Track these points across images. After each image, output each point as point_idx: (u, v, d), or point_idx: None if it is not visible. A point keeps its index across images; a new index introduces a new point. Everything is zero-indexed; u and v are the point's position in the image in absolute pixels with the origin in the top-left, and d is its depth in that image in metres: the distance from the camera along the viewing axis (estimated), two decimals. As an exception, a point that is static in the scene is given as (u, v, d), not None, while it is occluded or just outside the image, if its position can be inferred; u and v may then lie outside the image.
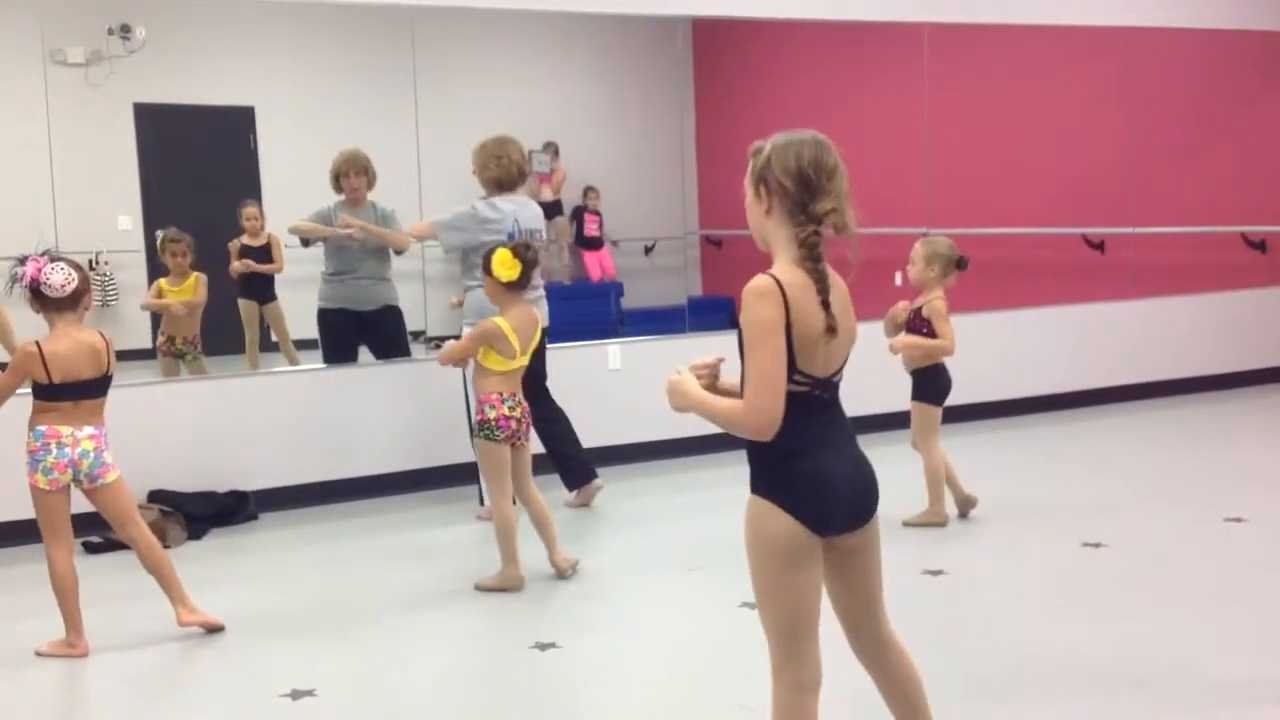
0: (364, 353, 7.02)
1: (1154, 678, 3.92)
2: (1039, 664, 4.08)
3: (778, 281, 2.57)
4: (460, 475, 6.62)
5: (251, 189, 7.72)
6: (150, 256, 7.27)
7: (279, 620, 4.83)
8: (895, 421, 7.01)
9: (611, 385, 7.25)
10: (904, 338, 5.76)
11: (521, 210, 6.16)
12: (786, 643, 2.66)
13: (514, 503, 5.13)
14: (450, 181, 6.70)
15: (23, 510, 4.75)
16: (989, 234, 8.74)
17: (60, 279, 4.33)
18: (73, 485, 4.45)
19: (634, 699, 3.98)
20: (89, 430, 4.43)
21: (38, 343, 4.36)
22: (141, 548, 4.55)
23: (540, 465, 5.53)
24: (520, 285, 5.05)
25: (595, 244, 9.69)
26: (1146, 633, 4.34)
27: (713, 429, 2.70)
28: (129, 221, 7.58)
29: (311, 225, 6.81)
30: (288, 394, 6.69)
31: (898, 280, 6.39)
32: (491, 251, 5.05)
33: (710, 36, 9.06)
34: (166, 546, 5.05)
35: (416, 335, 7.54)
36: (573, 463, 6.42)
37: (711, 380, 2.76)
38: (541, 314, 5.92)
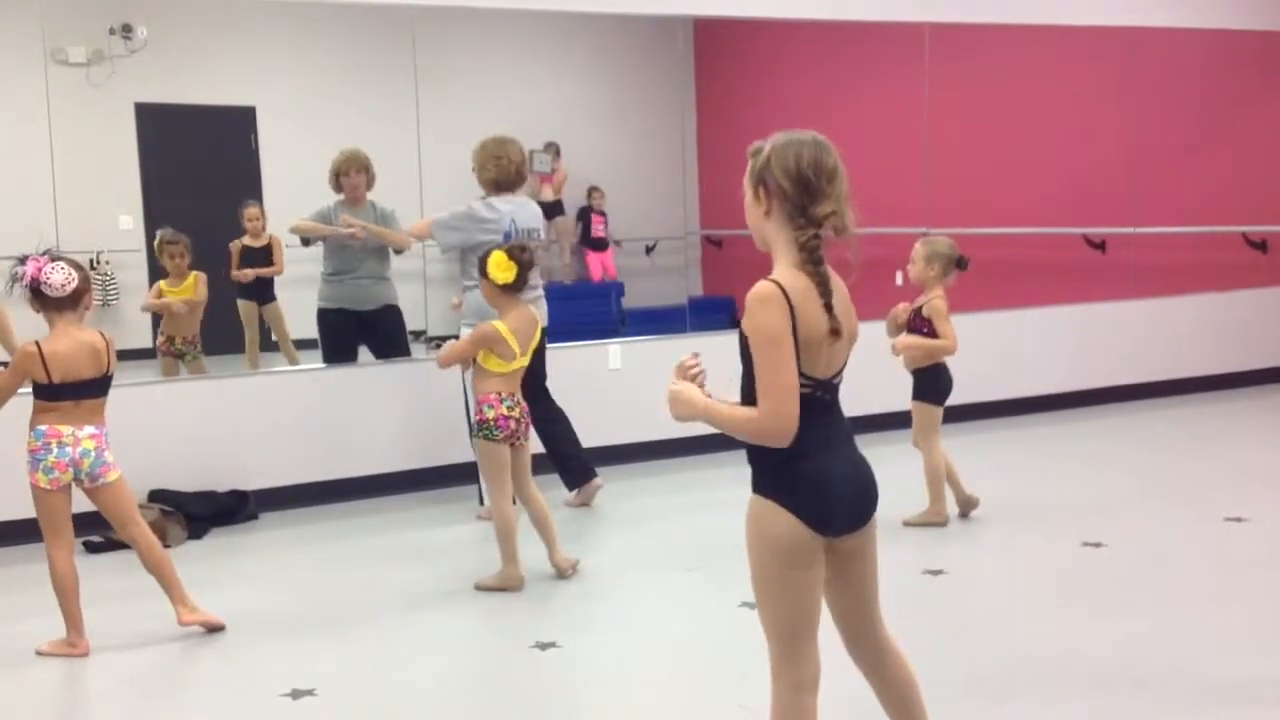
0: (363, 353, 7.02)
1: (1154, 677, 3.92)
2: (1039, 664, 4.08)
3: (781, 286, 2.57)
4: (460, 475, 6.62)
5: (252, 189, 7.72)
6: (151, 256, 7.27)
7: (279, 620, 4.83)
8: (895, 421, 7.01)
9: (612, 385, 7.25)
10: (905, 338, 5.76)
11: (519, 210, 6.16)
12: (786, 643, 2.67)
13: (514, 502, 5.13)
14: (451, 181, 6.70)
15: (23, 510, 4.75)
16: (989, 234, 8.74)
17: (60, 278, 4.33)
18: (73, 485, 4.45)
19: (634, 699, 3.99)
20: (90, 430, 4.43)
21: (38, 343, 4.36)
22: (142, 547, 4.56)
23: (540, 465, 5.53)
24: (517, 287, 5.05)
25: (601, 245, 9.70)
26: (1146, 632, 4.34)
27: (712, 429, 2.70)
28: (130, 221, 7.58)
29: (313, 224, 6.81)
30: (288, 394, 6.70)
31: (898, 280, 6.40)
32: (487, 254, 5.05)
33: (711, 36, 9.06)
34: (167, 546, 5.05)
35: (417, 335, 7.54)
36: (572, 462, 6.42)
37: (701, 378, 2.76)
38: (540, 314, 5.92)
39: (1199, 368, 9.10)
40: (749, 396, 2.61)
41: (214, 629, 4.64)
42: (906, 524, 5.76)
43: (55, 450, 4.37)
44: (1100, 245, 9.12)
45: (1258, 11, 9.20)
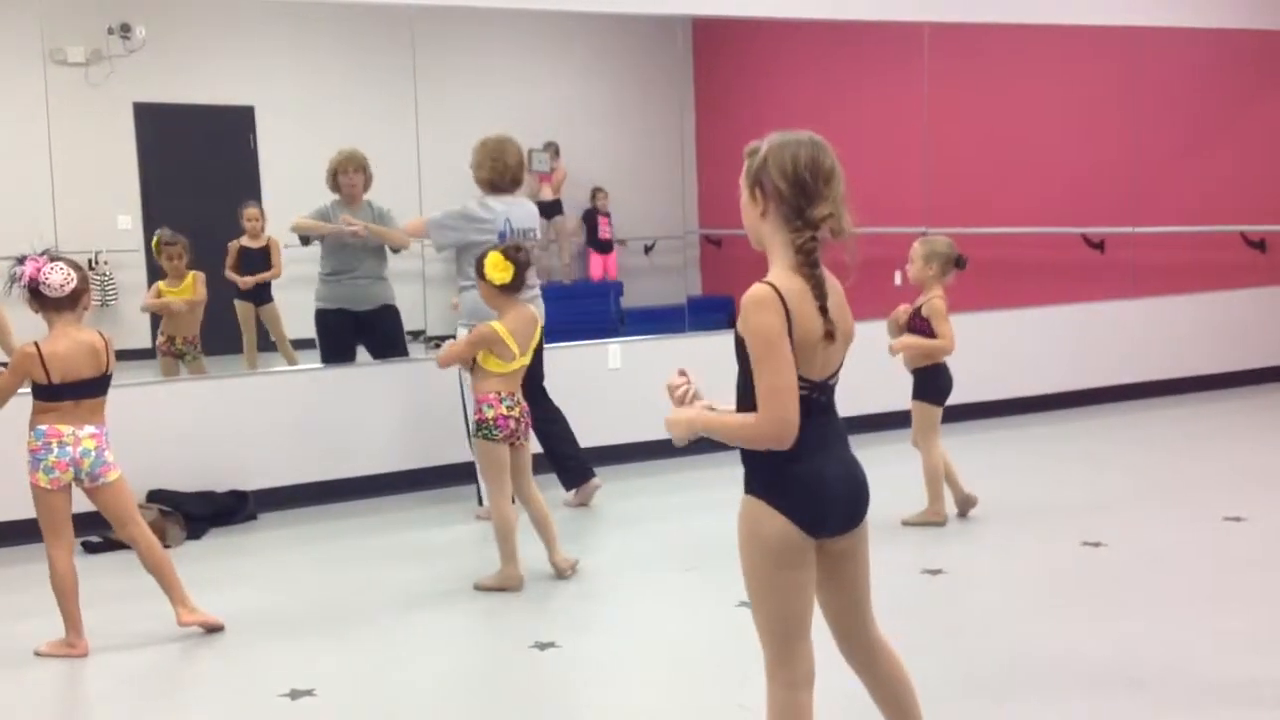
0: (361, 353, 7.02)
1: (1152, 677, 3.93)
2: (1037, 663, 4.08)
3: (776, 289, 2.57)
4: (459, 475, 6.63)
5: (251, 189, 7.71)
6: (149, 256, 7.27)
7: (278, 620, 4.83)
8: (894, 421, 7.02)
9: (611, 385, 7.26)
10: (903, 339, 5.77)
11: (514, 210, 6.15)
12: (780, 642, 2.67)
13: (513, 502, 5.13)
14: (450, 181, 6.69)
15: (23, 510, 4.76)
16: (988, 233, 8.74)
17: (59, 279, 4.33)
18: (73, 485, 4.45)
19: (633, 699, 3.99)
20: (90, 429, 4.43)
21: (36, 343, 4.36)
22: (141, 547, 4.56)
23: (538, 465, 5.53)
24: (514, 287, 5.05)
25: (607, 247, 9.70)
26: (1145, 632, 4.34)
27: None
28: (128, 221, 7.58)
29: (313, 223, 6.82)
30: (286, 394, 6.70)
31: (897, 280, 6.39)
32: (484, 255, 5.05)
33: (710, 36, 9.06)
34: (166, 546, 5.05)
35: (416, 335, 7.54)
36: (570, 462, 6.42)
37: (694, 393, 2.76)
38: (538, 314, 5.92)
39: (1197, 367, 9.10)
40: (745, 398, 2.61)
41: (213, 629, 4.64)
42: (905, 523, 5.76)
43: (55, 450, 4.37)
44: (1099, 245, 9.13)
45: (1256, 11, 9.21)
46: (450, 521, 6.26)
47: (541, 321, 5.92)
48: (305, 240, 7.02)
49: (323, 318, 6.92)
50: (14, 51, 6.83)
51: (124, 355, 4.91)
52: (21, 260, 4.37)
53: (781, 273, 2.61)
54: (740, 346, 2.60)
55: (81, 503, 4.54)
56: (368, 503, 6.64)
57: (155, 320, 7.23)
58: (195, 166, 7.92)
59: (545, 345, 6.11)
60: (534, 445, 5.53)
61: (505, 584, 5.06)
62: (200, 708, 4.09)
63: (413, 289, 7.53)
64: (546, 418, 6.24)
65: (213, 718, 3.98)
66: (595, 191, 9.63)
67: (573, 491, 6.43)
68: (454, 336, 5.96)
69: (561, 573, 5.21)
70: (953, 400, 5.89)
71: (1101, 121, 9.17)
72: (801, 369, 2.59)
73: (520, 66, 9.03)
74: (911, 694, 2.88)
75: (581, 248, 9.80)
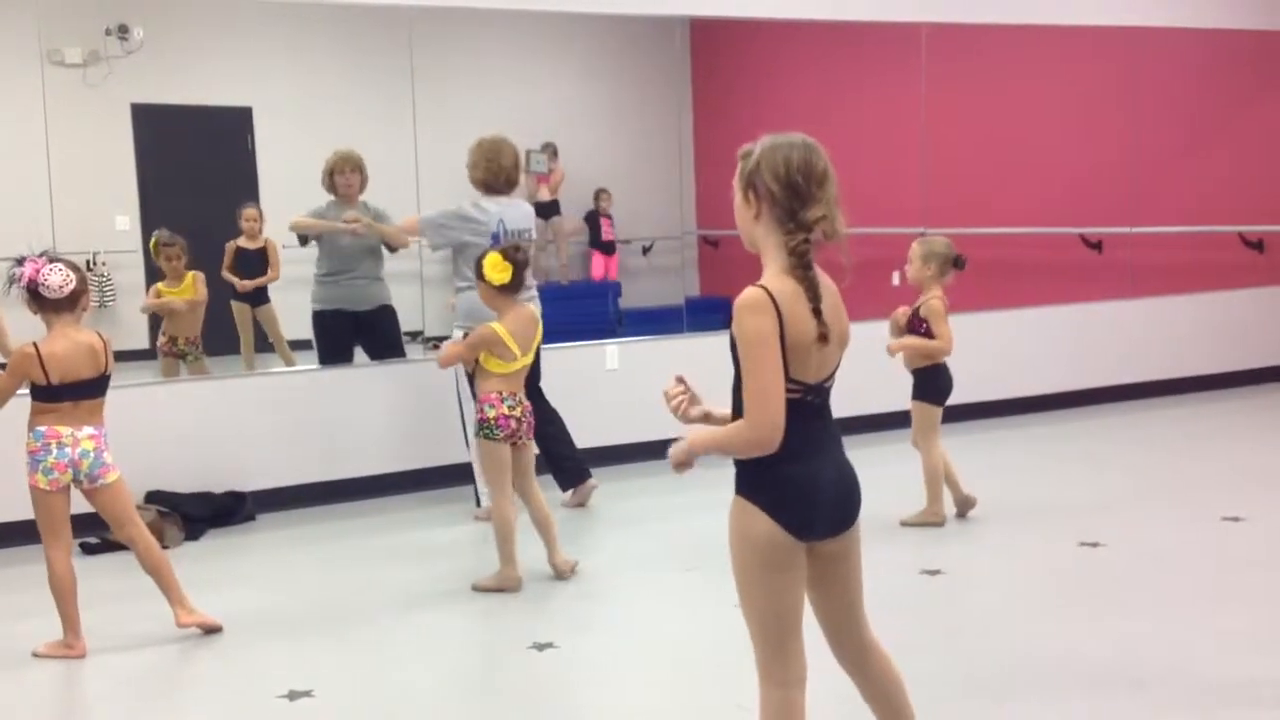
0: (359, 353, 7.02)
1: (1152, 677, 3.93)
2: (1037, 664, 4.08)
3: (769, 292, 2.57)
4: (457, 475, 6.62)
5: (249, 190, 7.71)
6: (147, 257, 7.27)
7: (276, 621, 4.83)
8: (892, 421, 7.03)
9: (609, 385, 7.25)
10: (900, 340, 5.77)
11: (508, 210, 6.13)
12: (770, 642, 2.68)
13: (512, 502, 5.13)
14: (448, 182, 6.69)
15: (22, 511, 4.75)
16: (987, 234, 8.74)
17: (58, 280, 4.33)
18: (72, 486, 4.44)
19: (632, 699, 3.99)
20: (89, 430, 4.42)
21: (35, 344, 4.36)
22: (140, 548, 4.55)
23: (537, 466, 5.52)
24: (514, 288, 5.04)
25: (610, 248, 9.71)
26: (1145, 632, 4.34)
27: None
28: (126, 222, 7.57)
29: (311, 221, 6.81)
30: (284, 395, 6.69)
31: (895, 280, 6.40)
32: (483, 256, 5.05)
33: (708, 36, 9.06)
34: (164, 547, 5.04)
35: (414, 336, 7.54)
36: (567, 463, 6.42)
37: (690, 399, 2.76)
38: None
39: (1196, 367, 9.10)
40: (740, 400, 2.61)
41: (211, 630, 4.64)
42: (904, 524, 5.76)
43: (54, 451, 4.37)
44: (1097, 245, 9.13)
45: (1254, 11, 9.21)
46: (448, 522, 6.26)
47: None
48: (303, 240, 7.02)
49: (321, 319, 6.91)
50: (12, 52, 6.83)
51: (122, 356, 4.90)
52: (20, 261, 4.37)
53: (775, 275, 2.62)
54: (734, 348, 2.60)
55: (80, 504, 4.53)
56: (366, 503, 6.63)
57: (154, 321, 7.22)
58: (193, 167, 7.92)
59: (543, 346, 6.11)
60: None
61: (504, 585, 5.06)
62: (198, 709, 4.08)
63: (411, 290, 7.52)
64: (543, 418, 6.22)
65: (211, 719, 3.97)
66: (599, 193, 9.62)
67: (569, 492, 6.43)
68: (451, 337, 5.96)
69: (561, 574, 5.21)
70: (952, 400, 5.89)
71: (1100, 122, 9.17)
72: (795, 372, 2.59)
73: (518, 67, 9.03)
74: (904, 694, 2.88)
75: (584, 248, 9.80)
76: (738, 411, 2.62)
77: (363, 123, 7.83)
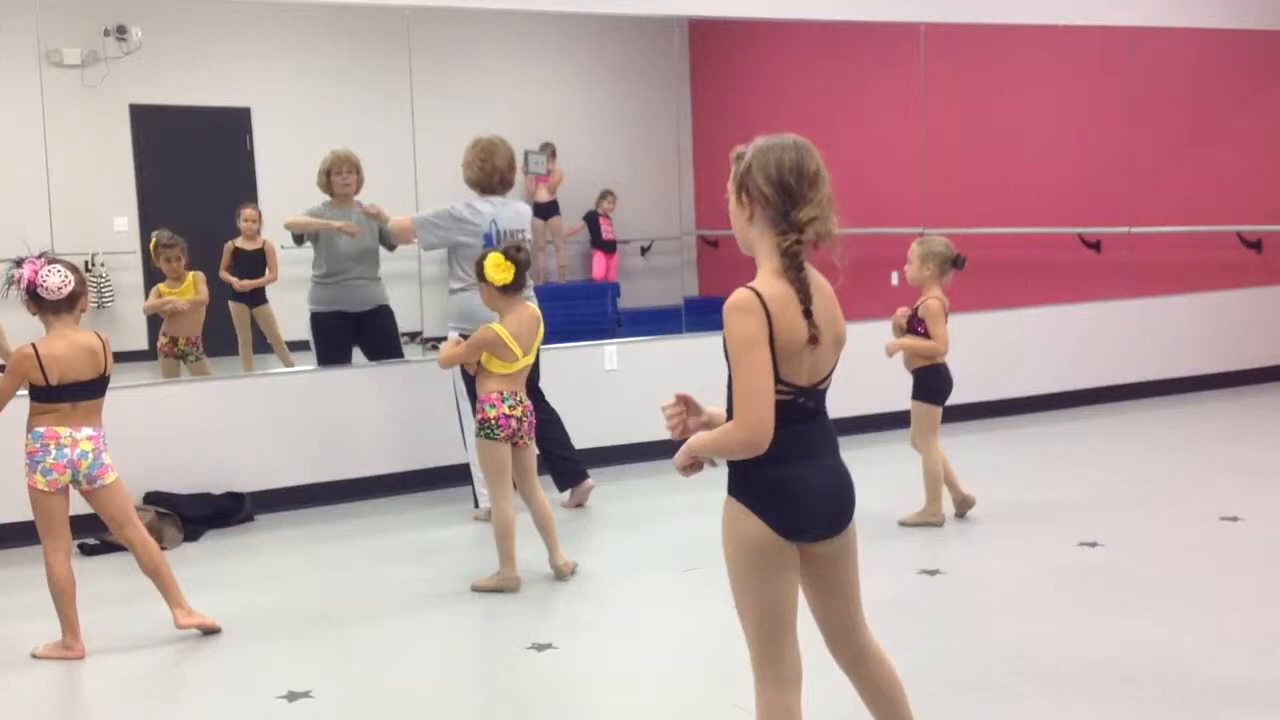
0: (357, 354, 7.01)
1: (1150, 677, 3.93)
2: (1036, 664, 4.08)
3: (758, 294, 2.57)
4: (455, 476, 6.62)
5: (247, 190, 7.71)
6: (146, 258, 7.27)
7: (275, 622, 4.83)
8: (892, 421, 7.03)
9: (608, 386, 7.25)
10: (897, 340, 5.78)
11: (501, 211, 6.10)
12: (765, 642, 2.68)
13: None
14: (446, 183, 6.68)
15: (21, 512, 4.76)
16: (985, 234, 8.74)
17: (57, 281, 4.33)
18: (71, 487, 4.44)
19: (630, 699, 3.98)
20: (87, 431, 4.42)
21: (34, 345, 4.36)
22: (139, 549, 4.55)
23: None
24: (515, 288, 5.04)
25: (611, 247, 9.71)
26: (1143, 632, 4.34)
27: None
28: (125, 223, 7.57)
29: (306, 219, 6.81)
30: (283, 396, 6.70)
31: (894, 280, 6.40)
32: (484, 256, 5.04)
33: (706, 36, 9.06)
34: (163, 548, 5.04)
35: (412, 336, 7.54)
36: (565, 464, 6.42)
37: (688, 415, 2.76)
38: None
39: (1194, 367, 9.11)
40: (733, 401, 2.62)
41: (210, 631, 4.64)
42: (902, 524, 5.76)
43: (53, 452, 4.37)
44: (1096, 245, 9.13)
45: (1251, 11, 9.22)
46: (447, 523, 6.26)
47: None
48: (299, 239, 7.02)
49: (320, 320, 6.90)
50: (10, 53, 6.82)
51: (121, 357, 4.90)
52: (19, 263, 4.37)
53: (767, 277, 2.62)
54: (726, 350, 2.61)
55: (79, 505, 4.53)
56: (365, 504, 6.64)
57: (154, 322, 7.22)
58: (191, 168, 7.91)
59: (542, 346, 6.11)
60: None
61: (503, 585, 5.06)
62: (197, 710, 4.08)
63: (409, 290, 7.52)
64: (542, 418, 6.23)
65: (210, 720, 3.98)
66: (604, 195, 9.61)
67: (568, 493, 6.43)
68: (447, 339, 5.95)
69: (561, 575, 5.21)
70: (951, 400, 5.89)
71: (1098, 121, 9.18)
72: (788, 374, 2.59)
73: (517, 68, 9.03)
74: (902, 696, 2.89)
75: (585, 248, 9.79)
76: (731, 413, 2.63)
77: (361, 123, 7.83)
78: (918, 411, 5.82)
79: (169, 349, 7.05)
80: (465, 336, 5.33)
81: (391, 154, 7.21)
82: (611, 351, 7.44)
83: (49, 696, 4.26)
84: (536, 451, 5.39)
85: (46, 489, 4.38)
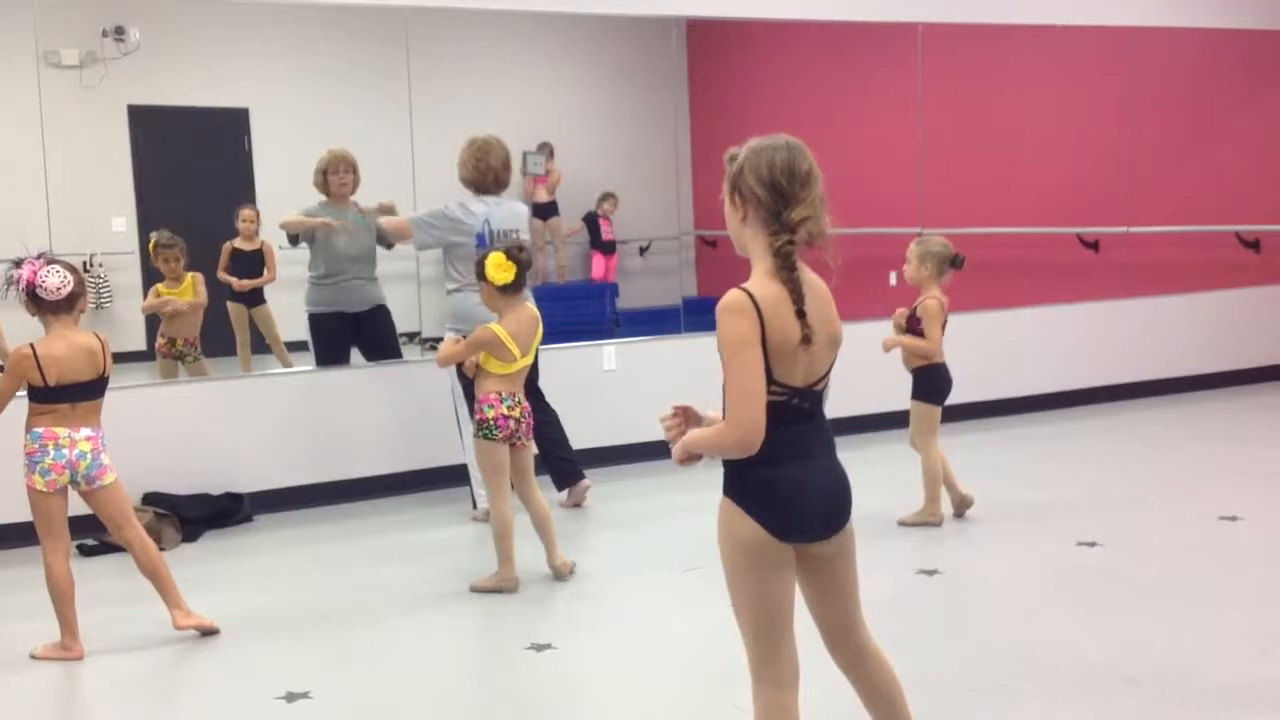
0: (355, 355, 7.01)
1: (1149, 677, 3.93)
2: (1034, 664, 4.08)
3: (750, 295, 2.57)
4: (453, 477, 6.62)
5: (246, 191, 7.70)
6: (145, 258, 7.27)
7: (274, 622, 4.83)
8: (891, 421, 7.03)
9: (607, 386, 7.25)
10: (893, 336, 5.79)
11: (495, 210, 6.07)
12: (762, 642, 2.68)
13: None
14: (444, 183, 6.68)
15: (20, 513, 4.75)
16: (984, 233, 8.75)
17: (56, 282, 4.33)
18: (69, 487, 4.44)
19: (629, 699, 3.98)
20: (86, 432, 4.42)
21: (32, 345, 4.36)
22: (137, 550, 4.55)
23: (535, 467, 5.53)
24: (515, 288, 5.03)
25: (610, 248, 9.71)
26: (1142, 632, 4.34)
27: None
28: (123, 223, 7.56)
29: (301, 219, 6.80)
30: (281, 396, 6.69)
31: (892, 280, 6.40)
32: (485, 256, 5.04)
33: (704, 37, 9.06)
34: (161, 549, 5.04)
35: (411, 337, 7.53)
36: (563, 464, 6.42)
37: (686, 425, 2.76)
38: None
39: (1193, 367, 9.11)
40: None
41: (209, 632, 4.63)
42: (901, 524, 5.76)
43: (52, 452, 4.37)
44: (1094, 245, 9.13)
45: (1250, 10, 9.22)
46: (446, 523, 6.26)
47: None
48: (293, 240, 7.01)
49: (318, 322, 6.89)
50: (8, 54, 6.82)
51: (119, 358, 4.90)
52: (18, 263, 4.37)
53: (760, 278, 2.62)
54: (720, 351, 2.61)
55: (77, 505, 4.53)
56: (363, 504, 6.63)
57: (152, 322, 7.22)
58: (190, 169, 7.91)
59: (540, 346, 6.10)
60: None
61: (502, 585, 5.06)
62: (196, 711, 4.08)
63: (407, 290, 7.52)
64: (540, 419, 6.23)
65: (209, 721, 3.98)
66: (604, 196, 9.61)
67: (565, 493, 6.42)
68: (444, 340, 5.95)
69: (559, 575, 5.21)
70: (950, 400, 5.89)
71: (1096, 121, 9.19)
72: (782, 375, 2.59)
73: (515, 68, 9.03)
74: (901, 696, 2.88)
75: (584, 249, 9.79)
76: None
77: (360, 124, 7.82)
78: (917, 411, 5.82)
79: (167, 350, 7.05)
80: (464, 337, 5.33)
81: (390, 154, 7.21)
82: (610, 352, 7.43)
83: (48, 697, 4.26)
84: (535, 452, 5.39)
85: (45, 489, 4.38)
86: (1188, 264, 9.37)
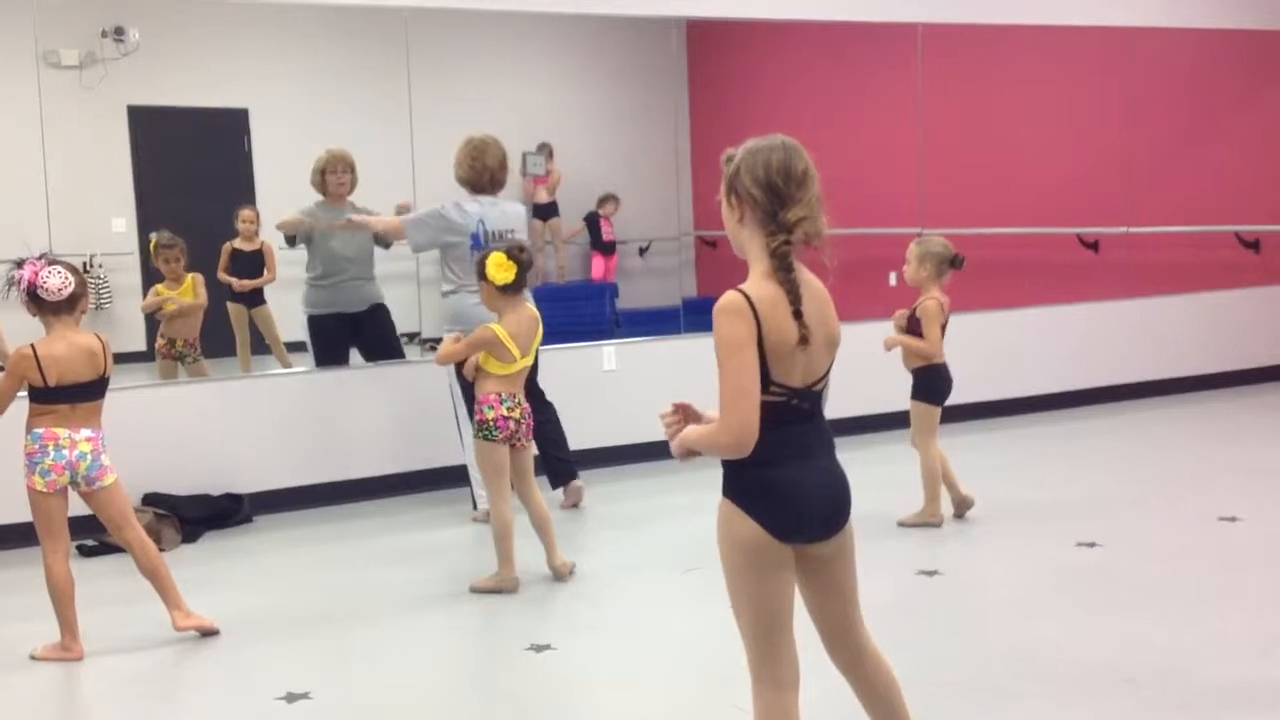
0: (355, 355, 7.01)
1: (1149, 678, 3.93)
2: (1034, 664, 4.08)
3: (747, 297, 2.57)
4: (453, 477, 6.62)
5: (245, 191, 7.71)
6: (145, 259, 7.27)
7: (274, 623, 4.83)
8: (891, 421, 7.03)
9: (607, 386, 7.25)
10: (894, 336, 5.79)
11: (489, 211, 6.05)
12: (762, 643, 2.68)
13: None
14: (444, 184, 6.69)
15: (20, 514, 4.75)
16: (983, 234, 8.75)
17: (57, 283, 4.33)
18: (69, 488, 4.44)
19: (629, 700, 3.98)
20: (86, 433, 4.42)
21: (33, 345, 4.36)
22: (137, 551, 4.55)
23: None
24: (516, 288, 5.03)
25: (611, 248, 9.71)
26: (1142, 633, 4.34)
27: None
28: (123, 224, 7.56)
29: (297, 219, 6.80)
30: (281, 397, 6.69)
31: (892, 280, 6.40)
32: (485, 255, 5.04)
33: (704, 37, 9.06)
34: (161, 549, 5.04)
35: (411, 337, 7.53)
36: (560, 465, 6.42)
37: (685, 422, 2.76)
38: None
39: (1193, 367, 9.11)
40: None
41: (208, 633, 4.63)
42: (901, 524, 5.76)
43: (52, 453, 4.37)
44: (1094, 245, 9.14)
45: (1248, 11, 9.22)
46: (446, 524, 6.26)
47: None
48: (291, 241, 7.01)
49: (318, 323, 6.89)
50: (7, 54, 6.82)
51: (119, 358, 4.89)
52: (19, 264, 4.37)
53: (757, 279, 2.62)
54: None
55: (77, 506, 4.53)
56: (363, 505, 6.63)
57: (151, 323, 7.22)
58: (189, 169, 7.91)
59: (540, 347, 6.10)
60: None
61: (501, 586, 5.06)
62: (196, 711, 4.08)
63: (407, 291, 7.52)
64: (540, 419, 6.22)
65: (209, 721, 3.98)
66: (606, 198, 9.61)
67: (561, 492, 6.42)
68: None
69: (559, 575, 5.21)
70: (950, 401, 5.89)
71: (1096, 122, 9.19)
72: (780, 375, 2.59)
73: (514, 69, 9.02)
74: (900, 698, 2.88)
75: (585, 249, 9.79)
76: None
77: (360, 124, 7.82)
78: (917, 411, 5.81)
79: (167, 350, 7.05)
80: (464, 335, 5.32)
81: (389, 155, 7.21)
82: (610, 352, 7.43)
83: (48, 698, 4.26)
84: (536, 453, 5.38)
85: (45, 490, 4.38)
86: (1187, 264, 9.37)
